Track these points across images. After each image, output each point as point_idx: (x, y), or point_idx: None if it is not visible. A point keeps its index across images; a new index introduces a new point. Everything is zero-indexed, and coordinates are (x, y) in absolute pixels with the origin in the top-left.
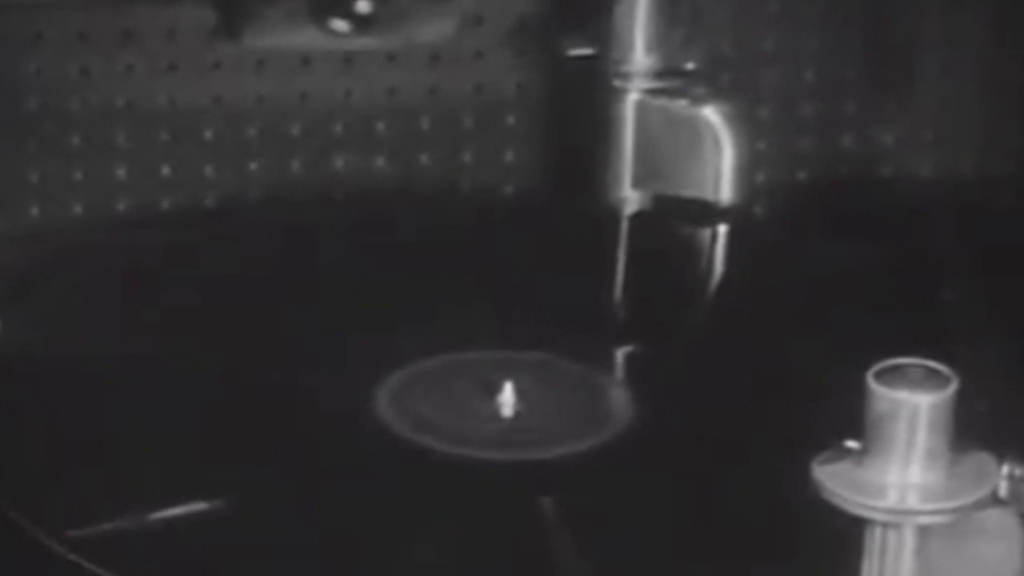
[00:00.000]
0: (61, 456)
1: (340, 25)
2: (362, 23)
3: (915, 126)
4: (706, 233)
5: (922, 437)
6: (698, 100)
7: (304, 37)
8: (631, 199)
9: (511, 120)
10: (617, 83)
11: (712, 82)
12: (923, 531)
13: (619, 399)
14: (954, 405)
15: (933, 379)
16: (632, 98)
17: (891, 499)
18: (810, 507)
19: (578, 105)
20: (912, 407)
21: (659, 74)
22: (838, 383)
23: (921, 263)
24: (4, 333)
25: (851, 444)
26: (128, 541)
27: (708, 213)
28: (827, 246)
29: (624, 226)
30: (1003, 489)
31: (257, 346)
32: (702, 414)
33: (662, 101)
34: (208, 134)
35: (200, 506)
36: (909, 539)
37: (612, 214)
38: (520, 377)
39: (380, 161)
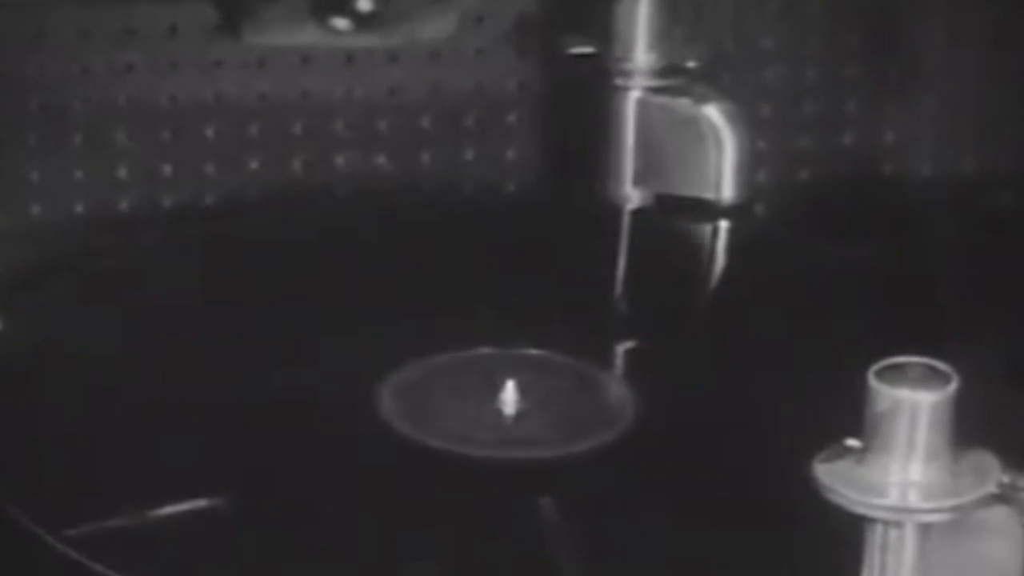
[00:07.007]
0: (61, 454)
1: (341, 23)
2: (363, 21)
3: (916, 125)
4: (707, 231)
5: (923, 435)
6: (699, 98)
7: (305, 35)
8: (632, 197)
9: (512, 118)
10: (618, 81)
11: (713, 80)
12: (924, 529)
13: (620, 397)
14: (955, 403)
15: (934, 377)
16: (633, 96)
17: (892, 497)
18: (811, 506)
19: (579, 103)
20: (913, 405)
21: (660, 72)
22: (839, 381)
23: (921, 262)
24: (4, 333)
25: (852, 442)
26: (127, 539)
27: (709, 211)
28: (828, 245)
29: (625, 224)
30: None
31: (257, 344)
32: (703, 412)
33: (663, 99)
34: (209, 132)
35: (199, 503)
36: (910, 537)
37: (613, 212)
38: (521, 375)
39: (381, 159)
